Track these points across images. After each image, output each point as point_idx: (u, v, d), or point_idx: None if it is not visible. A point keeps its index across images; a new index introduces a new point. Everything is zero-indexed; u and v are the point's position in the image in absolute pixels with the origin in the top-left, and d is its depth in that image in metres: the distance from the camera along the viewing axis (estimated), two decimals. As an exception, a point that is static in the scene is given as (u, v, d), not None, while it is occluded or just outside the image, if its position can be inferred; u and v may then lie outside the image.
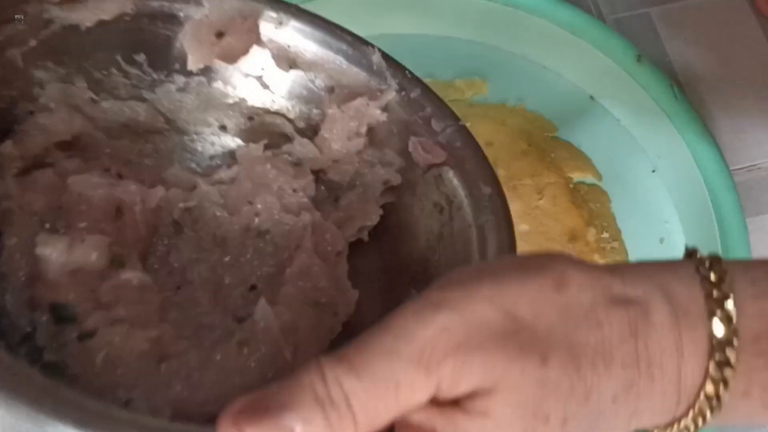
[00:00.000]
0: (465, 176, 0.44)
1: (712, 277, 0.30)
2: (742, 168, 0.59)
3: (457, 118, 0.45)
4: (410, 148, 0.45)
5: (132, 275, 0.39)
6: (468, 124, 0.45)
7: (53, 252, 0.37)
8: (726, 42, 0.64)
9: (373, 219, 0.46)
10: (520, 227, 0.56)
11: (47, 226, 0.40)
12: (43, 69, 0.43)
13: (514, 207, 0.56)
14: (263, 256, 0.45)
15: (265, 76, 0.47)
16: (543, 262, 0.30)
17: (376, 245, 0.47)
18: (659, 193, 0.58)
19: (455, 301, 0.29)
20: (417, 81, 0.46)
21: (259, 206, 0.46)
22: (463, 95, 0.61)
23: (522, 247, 0.55)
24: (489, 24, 0.63)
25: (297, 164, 0.48)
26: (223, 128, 0.49)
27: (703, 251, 0.57)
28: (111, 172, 0.44)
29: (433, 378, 0.28)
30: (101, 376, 0.36)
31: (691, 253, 0.32)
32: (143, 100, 0.46)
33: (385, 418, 0.28)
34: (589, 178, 0.58)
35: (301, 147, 0.47)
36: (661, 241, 0.57)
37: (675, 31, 0.64)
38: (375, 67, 0.46)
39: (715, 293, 0.30)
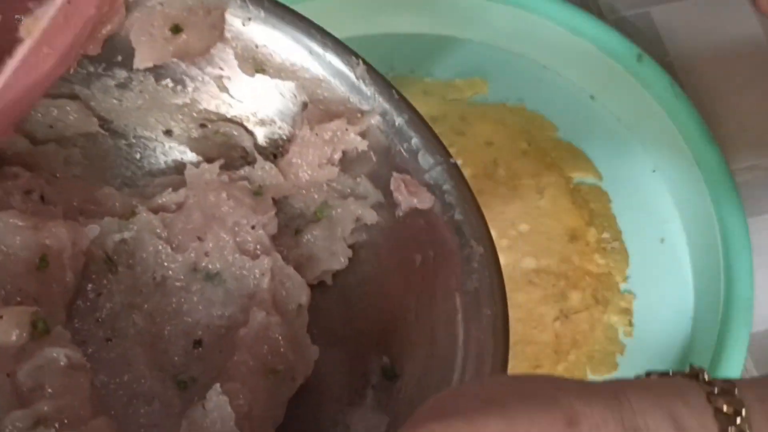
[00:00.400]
0: (453, 228, 0.37)
1: (726, 408, 0.29)
2: (743, 168, 0.59)
3: (447, 154, 0.38)
4: (392, 186, 0.38)
5: (58, 352, 0.32)
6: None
7: None
8: (726, 41, 0.64)
9: (341, 262, 0.40)
10: (520, 227, 0.56)
11: None
12: None
13: (514, 207, 0.56)
14: (212, 305, 0.39)
15: (225, 78, 0.40)
16: (551, 394, 0.28)
17: (341, 291, 0.41)
18: (659, 193, 0.58)
19: None
20: (405, 104, 0.39)
21: (210, 244, 0.39)
22: (463, 95, 0.61)
23: (522, 246, 0.55)
24: (489, 24, 0.63)
25: (257, 193, 0.40)
26: (168, 133, 0.42)
27: (704, 251, 0.57)
28: (32, 195, 0.38)
29: None
30: None
31: (697, 374, 0.30)
32: (74, 97, 0.40)
33: None
34: (590, 178, 0.58)
35: (263, 172, 0.40)
36: (662, 241, 0.57)
37: (675, 31, 0.64)
38: (357, 82, 0.39)
39: (731, 431, 0.28)
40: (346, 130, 0.38)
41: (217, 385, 0.34)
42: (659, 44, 0.63)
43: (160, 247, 0.39)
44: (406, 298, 0.39)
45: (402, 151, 0.38)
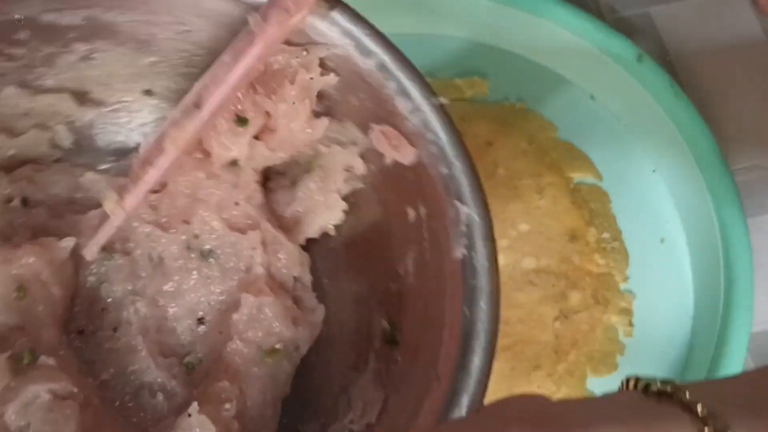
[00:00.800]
0: (441, 184, 0.33)
1: None
2: (743, 168, 0.59)
3: (431, 93, 0.34)
4: (372, 140, 0.35)
5: (40, 389, 0.32)
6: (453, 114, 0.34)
7: None
8: (727, 41, 0.64)
9: (336, 215, 0.39)
10: (520, 227, 0.56)
11: None
12: None
13: (515, 207, 0.56)
14: (210, 282, 0.38)
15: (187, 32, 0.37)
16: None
17: (345, 246, 0.40)
18: (660, 193, 0.58)
19: None
20: (381, 39, 0.35)
21: (197, 227, 0.38)
22: (463, 95, 0.61)
23: (522, 247, 0.55)
24: (489, 24, 0.63)
25: (235, 164, 0.39)
26: (148, 93, 0.40)
27: (704, 252, 0.57)
28: (13, 202, 0.37)
29: None
30: None
31: (690, 406, 0.28)
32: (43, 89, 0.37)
33: None
34: (589, 178, 0.58)
35: (249, 149, 0.38)
36: (662, 241, 0.57)
37: (675, 31, 0.64)
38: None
39: None
40: (305, 54, 0.34)
41: (195, 404, 0.34)
42: (659, 44, 0.63)
43: (149, 230, 0.38)
44: (404, 257, 0.36)
45: (382, 93, 0.35)
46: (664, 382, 0.28)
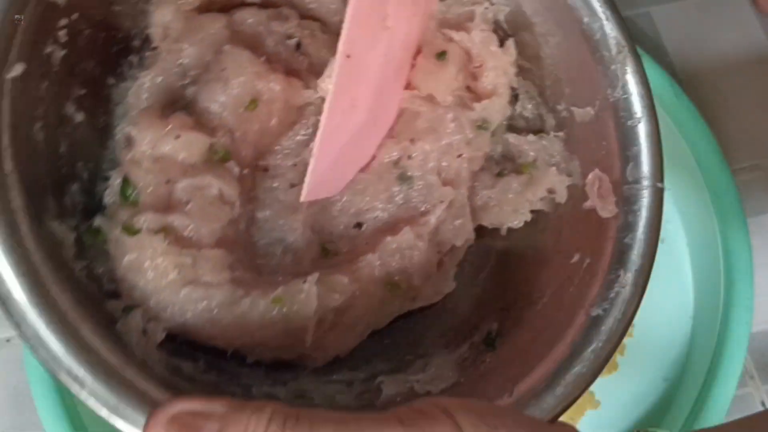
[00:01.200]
0: (616, 248, 0.36)
1: None
2: (743, 168, 0.59)
3: (659, 178, 0.36)
4: (587, 179, 0.38)
5: (214, 182, 0.36)
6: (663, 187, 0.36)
7: (143, 136, 0.36)
8: (727, 41, 0.64)
9: (518, 222, 0.41)
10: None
11: (186, 91, 0.38)
12: None
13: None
14: (388, 201, 0.40)
15: None
16: None
17: (503, 246, 0.42)
18: (660, 192, 0.58)
19: None
20: (650, 106, 0.37)
21: (417, 150, 0.40)
22: (464, 95, 0.61)
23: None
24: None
25: (481, 127, 0.41)
26: None
27: (704, 252, 0.56)
28: (290, 41, 0.41)
29: None
30: (123, 273, 0.35)
31: None
32: None
33: None
34: (590, 178, 0.58)
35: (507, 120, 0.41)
36: (662, 241, 0.57)
37: (676, 31, 0.64)
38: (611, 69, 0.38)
39: None
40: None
41: (316, 275, 0.37)
42: (659, 44, 0.63)
43: None
44: (548, 284, 0.38)
45: (618, 153, 0.37)
46: None
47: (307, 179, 0.38)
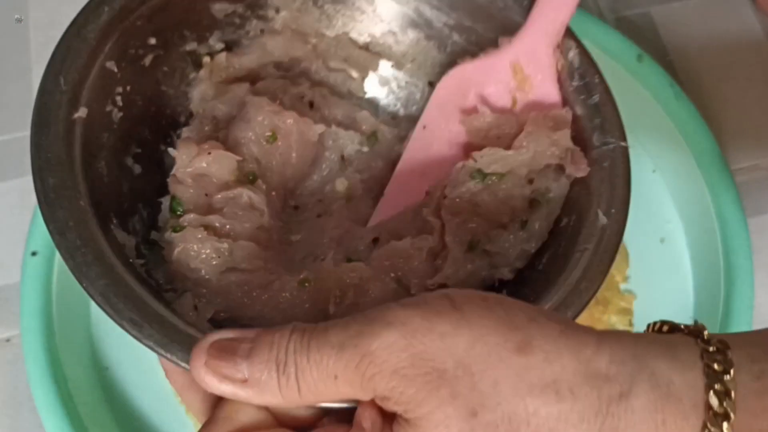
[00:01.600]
0: (593, 200, 0.41)
1: (716, 366, 0.29)
2: (743, 168, 0.59)
3: (622, 137, 0.43)
4: (563, 154, 0.42)
5: (245, 192, 0.43)
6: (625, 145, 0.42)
7: (182, 156, 0.42)
8: (727, 41, 0.64)
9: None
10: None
11: (219, 134, 0.45)
12: None
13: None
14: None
15: None
16: (518, 323, 0.29)
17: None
18: (660, 193, 0.58)
19: (415, 328, 0.29)
20: (602, 85, 0.44)
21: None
22: (464, 95, 0.61)
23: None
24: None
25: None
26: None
27: (704, 251, 0.57)
28: (304, 99, 0.48)
29: (368, 386, 0.29)
30: (175, 267, 0.41)
31: (699, 331, 0.31)
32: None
33: (328, 398, 0.30)
34: (590, 178, 0.58)
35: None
36: (662, 241, 0.57)
37: (676, 31, 0.64)
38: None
39: (717, 386, 0.29)
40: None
41: (331, 252, 0.44)
42: (659, 44, 0.63)
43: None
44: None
45: (587, 125, 0.43)
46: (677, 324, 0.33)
47: (377, 209, 0.47)
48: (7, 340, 0.54)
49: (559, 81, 0.44)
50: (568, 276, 0.39)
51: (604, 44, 0.60)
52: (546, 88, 0.44)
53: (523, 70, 0.44)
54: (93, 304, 0.54)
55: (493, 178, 0.43)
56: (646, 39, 0.63)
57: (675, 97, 0.57)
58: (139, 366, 0.52)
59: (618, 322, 0.53)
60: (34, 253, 0.52)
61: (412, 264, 0.43)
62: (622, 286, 0.55)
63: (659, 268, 0.56)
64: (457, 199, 0.43)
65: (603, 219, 0.40)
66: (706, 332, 0.31)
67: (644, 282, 0.55)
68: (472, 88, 0.46)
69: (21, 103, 0.61)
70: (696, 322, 0.32)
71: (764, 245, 0.55)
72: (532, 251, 0.42)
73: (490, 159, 0.43)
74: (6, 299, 0.55)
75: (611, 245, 0.40)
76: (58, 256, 0.52)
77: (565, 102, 0.44)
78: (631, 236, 0.56)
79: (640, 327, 0.53)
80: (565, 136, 0.42)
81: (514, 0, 0.45)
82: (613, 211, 0.41)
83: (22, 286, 0.52)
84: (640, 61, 0.58)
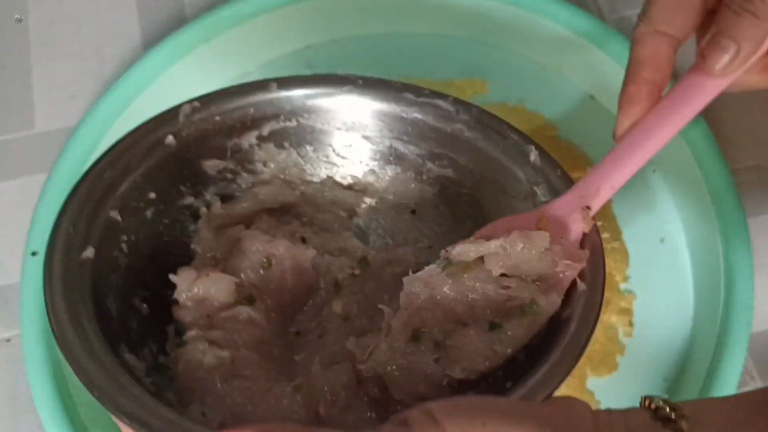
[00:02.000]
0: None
1: None
2: (743, 168, 0.59)
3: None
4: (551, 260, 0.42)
5: (243, 310, 0.46)
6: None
7: (181, 281, 0.46)
8: (726, 42, 0.64)
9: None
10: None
11: (219, 267, 0.48)
12: (265, 150, 0.50)
13: (515, 207, 0.56)
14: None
15: None
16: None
17: None
18: (660, 193, 0.58)
19: None
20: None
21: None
22: (463, 95, 0.61)
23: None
24: (489, 24, 0.63)
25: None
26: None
27: (704, 251, 0.56)
28: (296, 235, 0.51)
29: None
30: (181, 381, 0.44)
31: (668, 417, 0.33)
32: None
33: None
34: (590, 178, 0.58)
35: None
36: (662, 241, 0.57)
37: (675, 31, 0.64)
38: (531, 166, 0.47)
39: None
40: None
41: (317, 360, 0.46)
42: (659, 44, 0.63)
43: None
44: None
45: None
46: (672, 406, 0.33)
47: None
48: (7, 340, 0.54)
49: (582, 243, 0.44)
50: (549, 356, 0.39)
51: (604, 44, 0.60)
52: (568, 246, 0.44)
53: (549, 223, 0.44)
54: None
55: (455, 267, 0.43)
56: (646, 39, 0.63)
57: (675, 97, 0.57)
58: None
59: (618, 322, 0.53)
60: (34, 253, 0.52)
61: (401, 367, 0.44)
62: (622, 286, 0.55)
63: (659, 268, 0.56)
64: (416, 287, 0.44)
65: (582, 286, 0.42)
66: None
67: (644, 282, 0.55)
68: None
69: (21, 103, 0.61)
70: (679, 411, 0.33)
71: (764, 245, 0.55)
72: (507, 354, 0.42)
73: (461, 249, 0.43)
74: (6, 299, 0.55)
75: (592, 316, 0.41)
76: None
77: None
78: (631, 236, 0.56)
79: (639, 327, 0.53)
80: (558, 252, 0.43)
81: (474, 121, 0.48)
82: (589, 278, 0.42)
83: (22, 286, 0.52)
84: (640, 61, 0.58)
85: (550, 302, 0.42)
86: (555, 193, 0.46)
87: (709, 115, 0.59)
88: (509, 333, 0.42)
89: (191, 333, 0.45)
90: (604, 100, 0.61)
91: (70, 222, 0.43)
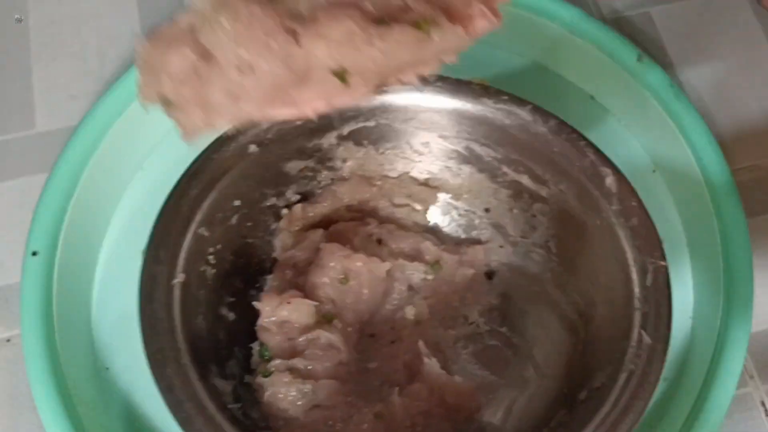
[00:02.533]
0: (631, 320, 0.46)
1: None
2: (743, 168, 0.59)
3: (661, 257, 0.47)
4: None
5: (323, 334, 0.48)
6: None
7: (264, 307, 0.48)
8: (726, 41, 0.64)
9: None
10: (521, 227, 0.56)
11: (298, 279, 0.51)
12: (344, 148, 0.52)
13: (515, 207, 0.56)
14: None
15: None
16: None
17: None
18: (660, 193, 0.58)
19: None
20: (640, 209, 0.48)
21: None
22: (464, 95, 0.61)
23: (522, 247, 0.54)
24: (489, 24, 0.63)
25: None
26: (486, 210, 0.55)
27: (704, 251, 0.56)
28: (372, 237, 0.53)
29: None
30: (267, 408, 0.47)
31: None
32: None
33: None
34: (590, 178, 0.58)
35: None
36: (662, 240, 0.57)
37: (675, 31, 0.64)
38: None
39: None
40: None
41: (396, 389, 0.48)
42: (659, 44, 0.63)
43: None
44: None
45: (627, 246, 0.48)
46: None
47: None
48: (7, 340, 0.54)
49: None
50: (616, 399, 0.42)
51: (604, 44, 0.60)
52: None
53: None
54: (93, 303, 0.54)
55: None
56: (646, 39, 0.63)
57: (675, 97, 0.57)
58: (139, 366, 0.52)
59: (618, 322, 0.53)
60: (34, 253, 0.52)
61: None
62: (622, 286, 0.55)
63: (659, 268, 0.56)
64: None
65: (647, 339, 0.44)
66: None
67: (644, 282, 0.55)
68: None
69: (21, 103, 0.61)
70: None
71: (764, 245, 0.55)
72: (386, 64, 0.37)
73: None
74: (6, 299, 0.55)
75: (656, 366, 0.43)
76: (58, 255, 0.52)
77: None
78: (631, 236, 0.56)
79: (640, 327, 0.53)
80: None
81: (552, 133, 0.49)
82: (656, 332, 0.44)
83: (22, 286, 0.52)
84: (640, 61, 0.59)
85: (454, 32, 0.36)
86: (629, 220, 0.47)
87: (708, 115, 0.59)
88: (395, 34, 0.35)
89: (275, 362, 0.47)
90: (604, 100, 0.61)
91: (160, 248, 0.45)
